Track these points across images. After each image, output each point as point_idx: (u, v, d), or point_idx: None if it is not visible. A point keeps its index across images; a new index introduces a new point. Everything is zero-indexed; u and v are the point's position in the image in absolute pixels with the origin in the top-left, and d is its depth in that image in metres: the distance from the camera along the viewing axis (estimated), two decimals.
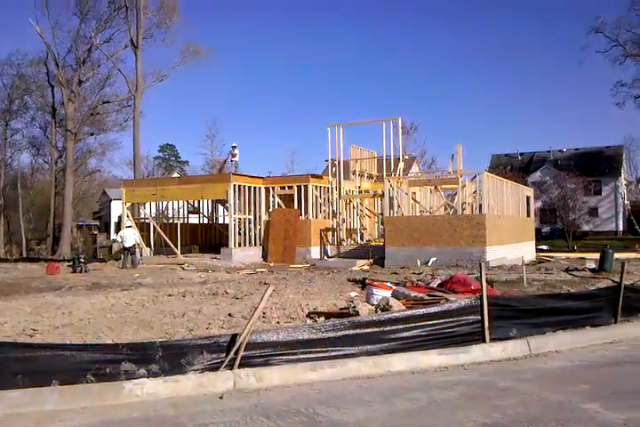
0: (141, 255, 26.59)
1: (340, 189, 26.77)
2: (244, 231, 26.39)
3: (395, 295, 9.77)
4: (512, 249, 25.56)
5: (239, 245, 25.47)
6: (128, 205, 27.23)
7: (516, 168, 49.62)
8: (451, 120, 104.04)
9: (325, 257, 26.09)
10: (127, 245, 21.34)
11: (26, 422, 4.40)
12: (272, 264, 24.58)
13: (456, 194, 23.74)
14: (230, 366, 5.62)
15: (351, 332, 6.36)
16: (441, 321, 6.82)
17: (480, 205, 22.62)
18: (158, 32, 42.01)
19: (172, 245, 25.68)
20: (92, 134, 44.32)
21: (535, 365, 6.30)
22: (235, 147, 29.17)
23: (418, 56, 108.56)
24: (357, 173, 29.01)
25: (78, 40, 40.94)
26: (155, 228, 26.60)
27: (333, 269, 20.28)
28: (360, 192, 28.72)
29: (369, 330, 6.42)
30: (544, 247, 34.45)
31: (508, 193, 26.10)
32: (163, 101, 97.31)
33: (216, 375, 5.45)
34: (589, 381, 5.51)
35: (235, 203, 25.28)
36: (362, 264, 23.09)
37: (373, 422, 4.35)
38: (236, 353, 5.66)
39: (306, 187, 25.98)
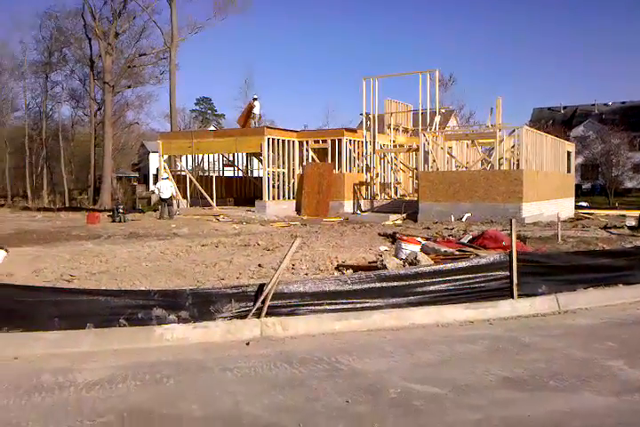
0: (178, 207, 27.14)
1: (374, 143, 26.44)
2: (278, 185, 26.51)
3: (424, 250, 9.75)
4: (550, 205, 25.06)
5: (273, 198, 25.66)
6: (165, 157, 27.58)
7: (559, 122, 47.95)
8: (492, 73, 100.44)
9: (359, 211, 26.11)
10: (164, 196, 21.74)
11: (63, 362, 4.64)
12: (305, 217, 24.78)
13: (493, 149, 23.19)
14: (257, 315, 5.77)
15: (377, 285, 6.41)
16: (469, 276, 6.80)
17: (518, 161, 22.07)
18: None
19: (208, 197, 26.06)
20: (129, 87, 44.48)
21: (562, 321, 6.27)
22: (256, 99, 28.78)
23: (459, 8, 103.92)
24: (392, 127, 28.54)
25: None
26: (191, 180, 26.93)
27: (366, 224, 20.31)
28: (395, 146, 28.34)
29: (395, 284, 6.46)
30: (584, 204, 33.65)
31: (548, 148, 25.36)
32: (199, 53, 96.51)
33: (244, 323, 5.61)
34: (617, 338, 5.46)
35: (268, 156, 25.31)
36: (394, 219, 23.07)
37: (394, 373, 4.43)
38: (263, 302, 5.79)
39: (340, 141, 25.76)
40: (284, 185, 26.68)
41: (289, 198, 26.73)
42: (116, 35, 40.92)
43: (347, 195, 26.15)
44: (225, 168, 32.56)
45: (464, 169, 24.36)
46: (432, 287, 6.62)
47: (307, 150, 26.64)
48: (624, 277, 7.68)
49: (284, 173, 27.02)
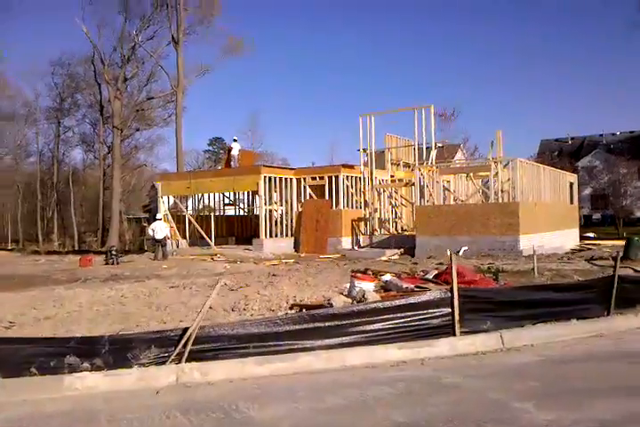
0: (178, 247, 27.29)
1: (372, 178, 26.49)
2: (276, 222, 26.56)
3: (387, 287, 9.61)
4: (551, 237, 24.66)
5: (270, 236, 25.65)
6: (165, 197, 27.92)
7: (566, 153, 47.67)
8: (499, 106, 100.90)
9: (357, 247, 25.96)
10: (158, 237, 21.89)
11: None
12: (303, 255, 24.67)
13: (489, 182, 23.07)
14: (178, 361, 5.65)
15: (310, 325, 6.26)
16: (408, 313, 6.63)
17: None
18: (200, 28, 42.69)
19: (206, 237, 26.14)
20: (137, 130, 45.54)
21: (499, 360, 6.04)
22: (235, 140, 29.22)
23: (462, 43, 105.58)
24: (393, 162, 28.64)
25: (123, 38, 42.00)
26: (190, 220, 27.13)
27: (360, 260, 20.16)
28: (394, 181, 28.34)
29: (329, 324, 6.31)
30: (591, 235, 33.02)
31: (547, 179, 25.16)
32: (210, 94, 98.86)
33: (159, 370, 5.49)
34: (544, 378, 5.22)
35: (265, 194, 25.46)
36: (391, 254, 22.85)
37: (287, 420, 4.26)
38: (185, 347, 5.68)
39: (337, 177, 25.87)
40: (282, 222, 26.73)
41: (287, 236, 26.72)
42: (124, 80, 42.21)
43: (345, 231, 26.07)
44: (226, 207, 32.81)
45: (459, 202, 24.25)
46: (370, 327, 6.45)
47: (305, 187, 26.77)
48: (578, 312, 7.43)
49: (281, 210, 27.12)
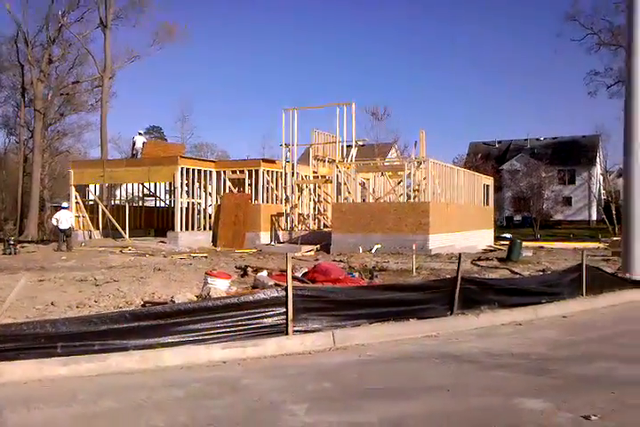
0: (90, 238, 26.43)
1: (293, 173, 26.42)
2: (195, 215, 26.11)
3: (255, 284, 9.54)
4: (463, 237, 25.32)
5: (187, 228, 25.18)
6: (78, 186, 26.97)
7: (494, 156, 49.11)
8: (433, 108, 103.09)
9: (276, 243, 25.85)
10: (62, 227, 21.07)
11: None
12: (219, 249, 24.35)
13: (402, 181, 23.40)
14: None
15: (132, 324, 6.06)
16: (241, 312, 6.53)
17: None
18: (133, 12, 41.38)
19: (120, 228, 25.41)
20: (62, 115, 43.81)
21: (317, 359, 6.03)
22: (140, 133, 28.60)
23: (401, 43, 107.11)
24: (318, 158, 28.61)
25: (49, 19, 40.26)
26: (103, 210, 26.31)
27: (274, 255, 19.99)
28: (316, 177, 28.36)
29: (153, 322, 6.12)
30: (507, 236, 34.14)
31: (462, 181, 25.75)
32: (152, 82, 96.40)
33: None
34: (343, 379, 5.23)
35: (182, 186, 24.97)
36: (306, 250, 22.87)
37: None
38: None
39: (257, 171, 25.64)
40: (199, 215, 26.30)
41: (206, 229, 26.32)
42: (49, 62, 40.48)
43: (264, 226, 25.90)
44: (147, 198, 32.04)
45: (374, 201, 24.53)
46: (197, 325, 6.30)
47: (224, 180, 26.41)
48: (420, 311, 7.54)
49: (199, 203, 26.68)
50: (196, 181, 26.03)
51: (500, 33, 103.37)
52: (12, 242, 19.60)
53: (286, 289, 6.71)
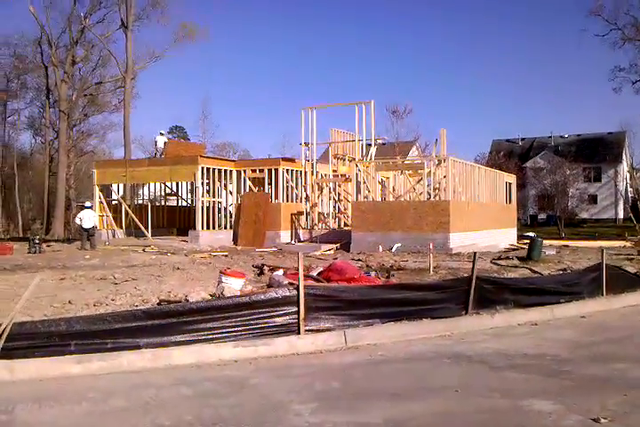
0: (114, 236, 26.79)
1: (313, 172, 26.42)
2: (215, 214, 26.30)
3: (270, 283, 9.56)
4: (484, 236, 25.02)
5: (208, 227, 25.37)
6: (102, 185, 27.36)
7: (516, 154, 48.46)
8: (455, 105, 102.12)
9: (296, 241, 25.90)
10: (85, 226, 21.37)
11: None
12: (240, 248, 24.49)
13: (422, 179, 23.24)
14: None
15: (145, 323, 6.13)
16: (252, 311, 6.56)
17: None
18: (154, 12, 41.80)
19: (142, 227, 25.70)
20: (85, 115, 44.49)
21: (328, 359, 6.03)
22: (162, 134, 28.89)
23: (423, 40, 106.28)
24: (338, 157, 28.57)
25: (72, 20, 40.91)
26: (126, 209, 26.65)
27: (293, 254, 20.01)
28: (336, 176, 28.32)
29: (163, 321, 6.19)
30: (531, 234, 33.60)
31: (483, 179, 25.46)
32: (175, 82, 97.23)
33: None
34: (351, 379, 5.22)
35: (203, 185, 25.16)
36: (326, 249, 22.86)
37: (48, 424, 4.15)
38: None
39: (276, 170, 25.70)
40: (219, 214, 26.47)
41: (226, 228, 26.50)
42: (72, 63, 41.13)
43: (284, 225, 25.95)
44: (170, 198, 32.37)
45: (394, 199, 24.39)
46: (209, 324, 6.36)
47: (244, 180, 26.55)
48: (434, 311, 7.49)
49: (220, 202, 26.86)
50: (216, 180, 26.20)
51: (524, 29, 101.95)
52: (37, 241, 19.95)
53: (298, 288, 6.72)
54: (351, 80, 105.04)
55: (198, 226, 24.72)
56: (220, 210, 26.76)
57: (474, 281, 7.65)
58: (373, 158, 25.82)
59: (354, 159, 30.38)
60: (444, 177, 23.24)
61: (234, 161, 27.07)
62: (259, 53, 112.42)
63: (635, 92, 40.79)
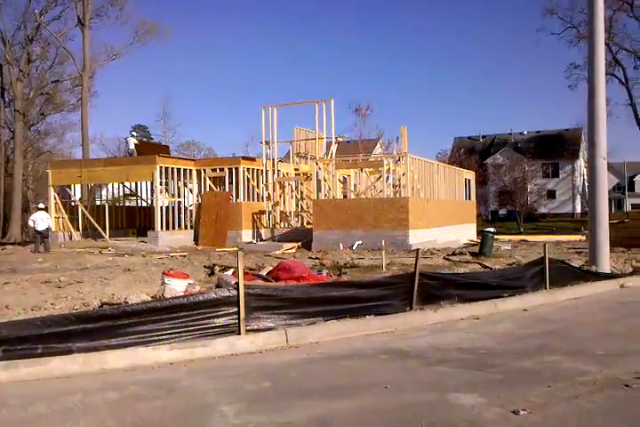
0: (71, 239, 26.24)
1: (273, 171, 26.33)
2: (175, 214, 25.99)
3: (219, 284, 9.47)
4: (444, 232, 25.34)
5: (167, 228, 25.05)
6: (57, 186, 26.76)
7: (478, 151, 49.26)
8: (419, 103, 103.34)
9: (258, 240, 25.78)
10: (39, 228, 20.89)
11: None
12: (200, 248, 24.27)
13: (381, 177, 23.39)
14: None
15: (78, 327, 6.00)
16: (191, 313, 6.48)
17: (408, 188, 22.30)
18: (112, 10, 41.07)
19: (100, 229, 25.25)
20: (42, 115, 43.45)
21: (264, 359, 5.99)
22: (133, 135, 28.60)
23: (384, 38, 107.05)
24: (300, 155, 28.53)
25: (27, 17, 39.90)
26: (82, 211, 26.11)
27: (253, 253, 19.92)
28: (298, 175, 28.28)
29: (97, 324, 6.06)
30: (491, 230, 34.09)
31: (441, 176, 25.77)
32: (137, 81, 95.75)
33: None
34: (283, 378, 5.20)
35: (160, 185, 24.83)
36: (287, 248, 22.83)
37: None
38: None
39: (237, 169, 25.53)
40: (179, 214, 26.17)
41: (187, 228, 26.22)
42: (28, 61, 40.14)
43: (245, 224, 25.83)
44: (130, 198, 31.87)
45: (355, 197, 24.49)
46: (145, 327, 6.25)
47: (204, 179, 26.30)
48: (378, 308, 7.52)
49: (180, 202, 26.55)
50: (176, 180, 25.89)
51: (483, 27, 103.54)
52: None
53: (237, 288, 6.66)
54: (317, 79, 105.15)
55: (157, 226, 24.40)
56: (180, 210, 26.45)
57: (417, 277, 7.72)
58: (334, 156, 25.89)
59: (315, 158, 30.47)
60: (403, 174, 23.46)
61: (194, 160, 26.83)
62: (229, 52, 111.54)
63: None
